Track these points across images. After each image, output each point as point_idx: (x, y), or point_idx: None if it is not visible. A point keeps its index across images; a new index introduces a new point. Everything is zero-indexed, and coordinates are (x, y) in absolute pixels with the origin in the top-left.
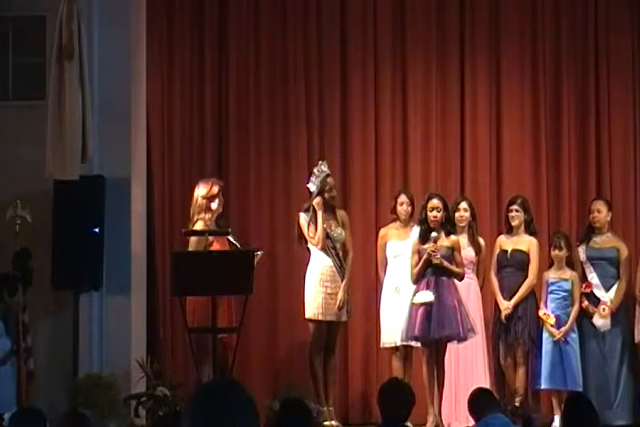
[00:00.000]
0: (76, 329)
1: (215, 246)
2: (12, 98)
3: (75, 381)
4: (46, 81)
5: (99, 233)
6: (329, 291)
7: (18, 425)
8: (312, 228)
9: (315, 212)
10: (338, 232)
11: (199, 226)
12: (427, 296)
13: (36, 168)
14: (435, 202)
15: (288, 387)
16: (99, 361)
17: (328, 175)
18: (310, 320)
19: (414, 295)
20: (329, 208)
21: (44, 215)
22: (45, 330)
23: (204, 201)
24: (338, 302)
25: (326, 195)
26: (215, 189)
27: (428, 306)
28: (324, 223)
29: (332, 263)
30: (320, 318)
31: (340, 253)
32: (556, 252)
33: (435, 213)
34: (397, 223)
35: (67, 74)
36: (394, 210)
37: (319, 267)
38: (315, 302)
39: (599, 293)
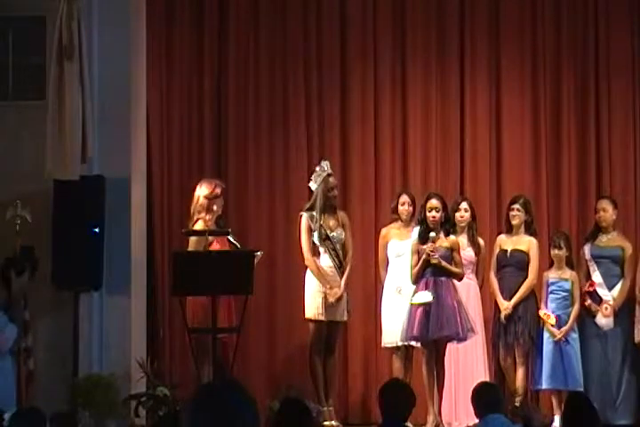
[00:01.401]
0: (75, 329)
1: (215, 246)
2: (12, 98)
3: (75, 381)
4: (46, 81)
5: (99, 233)
6: (329, 291)
7: (18, 425)
8: (309, 236)
9: (318, 211)
10: (338, 233)
11: (199, 225)
12: (425, 297)
13: (36, 168)
14: (433, 202)
15: (288, 387)
16: (99, 361)
17: (330, 175)
18: (310, 320)
19: (413, 295)
20: (330, 208)
21: (44, 215)
22: (45, 330)
23: (206, 201)
24: (331, 299)
25: (328, 194)
26: (218, 191)
27: (426, 306)
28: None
29: (331, 264)
30: (320, 317)
31: (340, 254)
32: (556, 251)
33: (433, 213)
34: (399, 223)
35: (67, 74)
36: (395, 210)
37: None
38: (314, 302)
39: (602, 291)
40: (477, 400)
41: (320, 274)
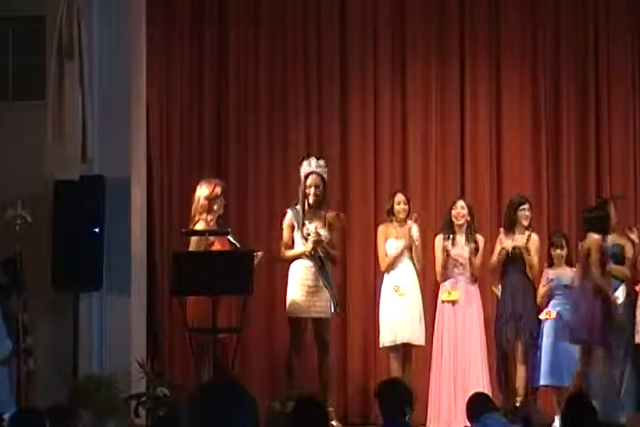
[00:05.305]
0: (75, 329)
1: (216, 246)
2: (12, 98)
3: (75, 381)
4: (46, 81)
5: (99, 233)
6: (308, 289)
7: (18, 425)
8: (291, 234)
9: (304, 211)
10: (323, 234)
11: (200, 226)
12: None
13: (36, 168)
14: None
15: (290, 386)
16: (99, 361)
17: (312, 172)
18: (289, 318)
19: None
20: (311, 207)
21: (44, 215)
22: (45, 330)
23: (206, 202)
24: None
25: (305, 191)
26: (218, 190)
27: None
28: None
29: (311, 264)
30: (298, 315)
31: (322, 255)
32: (558, 251)
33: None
34: (395, 223)
35: (67, 74)
36: (391, 211)
37: (299, 266)
38: (293, 300)
39: None
40: (472, 410)
41: (295, 251)
